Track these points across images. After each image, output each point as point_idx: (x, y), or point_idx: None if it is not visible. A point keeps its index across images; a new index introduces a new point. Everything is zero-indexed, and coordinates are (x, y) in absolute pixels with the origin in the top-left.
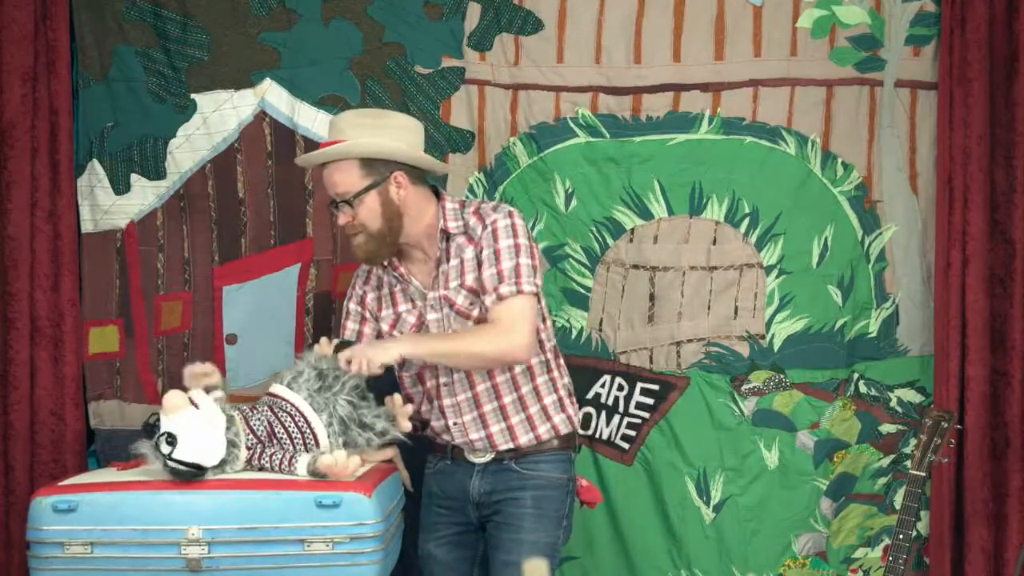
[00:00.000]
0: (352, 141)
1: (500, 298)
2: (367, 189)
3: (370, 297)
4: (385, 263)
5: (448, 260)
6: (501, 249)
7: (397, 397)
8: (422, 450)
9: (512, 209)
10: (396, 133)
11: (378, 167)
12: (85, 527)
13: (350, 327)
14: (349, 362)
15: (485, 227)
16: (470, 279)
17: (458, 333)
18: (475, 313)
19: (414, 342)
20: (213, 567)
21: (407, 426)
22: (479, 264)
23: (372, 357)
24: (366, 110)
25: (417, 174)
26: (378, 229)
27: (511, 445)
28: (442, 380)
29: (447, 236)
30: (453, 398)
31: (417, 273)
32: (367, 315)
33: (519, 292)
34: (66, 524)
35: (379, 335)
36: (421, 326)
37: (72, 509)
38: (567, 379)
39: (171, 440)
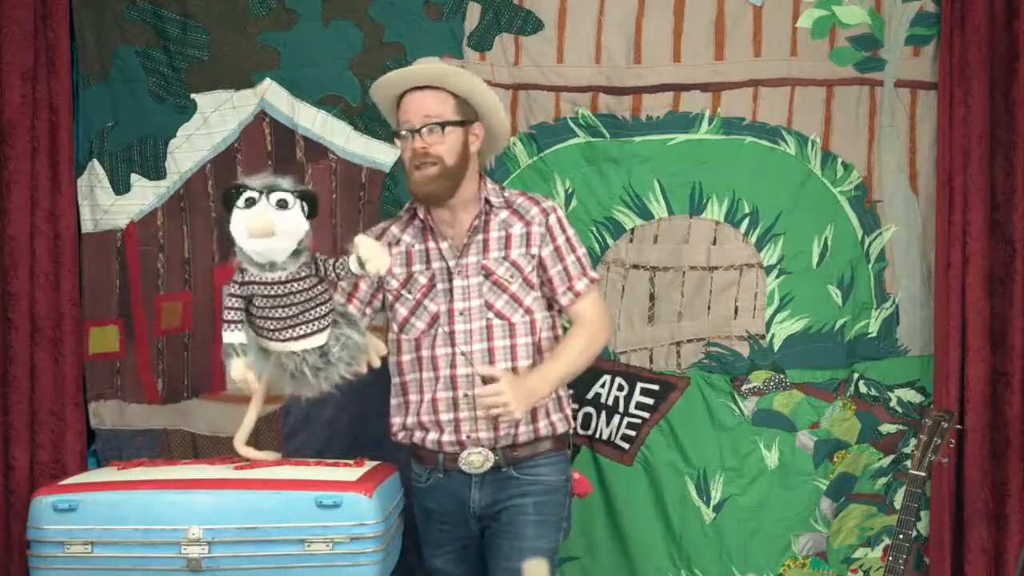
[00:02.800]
0: (460, 72)
1: (593, 281)
2: (457, 123)
3: None
4: (420, 214)
5: (488, 231)
6: (572, 237)
7: (375, 340)
8: (410, 459)
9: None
10: (489, 90)
11: (467, 111)
12: (85, 527)
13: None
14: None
15: (546, 212)
16: (516, 254)
17: (566, 350)
18: (512, 288)
19: (547, 382)
20: (213, 567)
21: (375, 361)
22: (530, 244)
23: (517, 413)
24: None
25: (484, 140)
26: (453, 164)
27: (510, 441)
28: (460, 350)
29: (489, 207)
30: (470, 368)
31: (446, 235)
32: None
33: (598, 277)
34: (66, 524)
35: (375, 295)
36: (431, 289)
37: (72, 509)
38: None
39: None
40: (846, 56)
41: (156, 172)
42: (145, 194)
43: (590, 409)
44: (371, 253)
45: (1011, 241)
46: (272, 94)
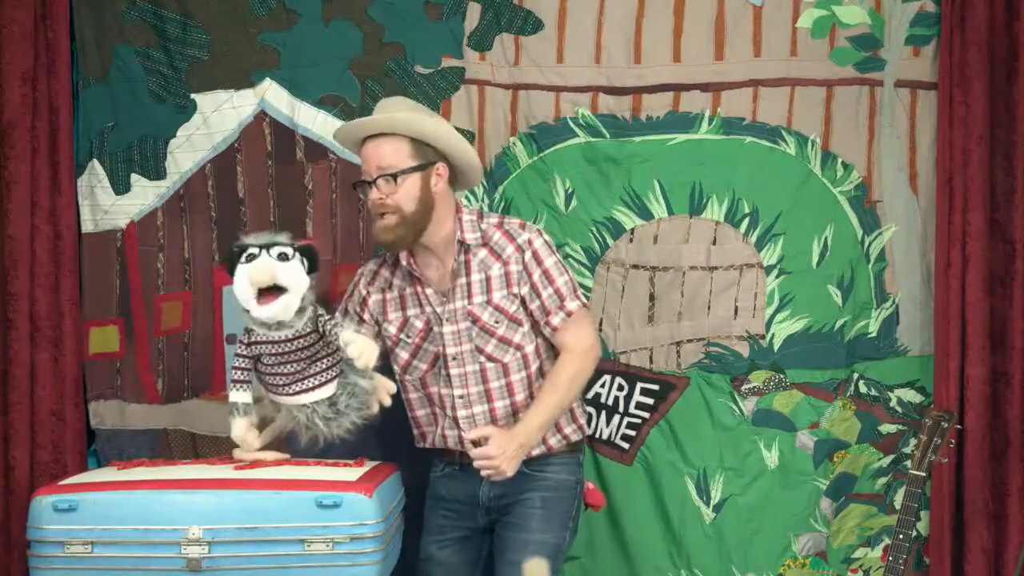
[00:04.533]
0: (413, 116)
1: (569, 314)
2: (413, 170)
3: (373, 299)
4: (403, 261)
5: (469, 274)
6: (550, 268)
7: (384, 380)
8: (428, 453)
9: (537, 227)
10: (447, 127)
11: (427, 152)
12: (85, 527)
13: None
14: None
15: (520, 248)
16: (497, 297)
17: (553, 384)
18: (500, 331)
19: (535, 429)
20: (213, 567)
21: (387, 400)
22: (510, 285)
23: (509, 472)
24: (415, 103)
25: (452, 176)
26: (411, 212)
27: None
28: (457, 393)
29: (466, 248)
30: (468, 410)
31: (431, 280)
32: (366, 318)
33: (582, 305)
34: (66, 524)
35: (377, 335)
36: (428, 332)
37: (72, 508)
38: None
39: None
40: (846, 56)
41: (156, 172)
42: (145, 194)
43: (590, 409)
44: (360, 350)
45: (1011, 241)
46: (272, 94)
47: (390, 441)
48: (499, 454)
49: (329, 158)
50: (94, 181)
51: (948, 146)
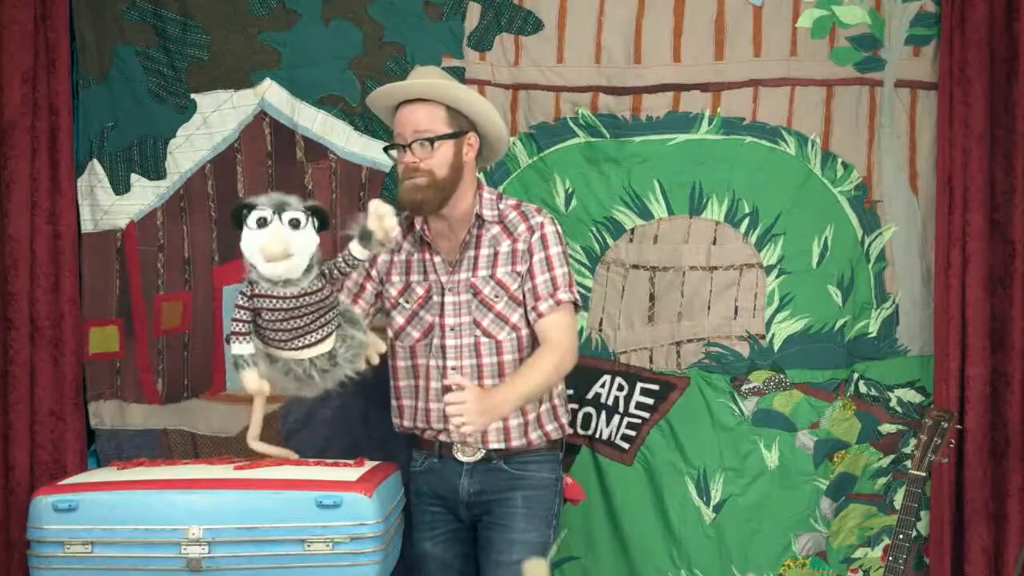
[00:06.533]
0: (451, 84)
1: (559, 303)
2: (448, 136)
3: (382, 259)
4: (417, 226)
5: (479, 247)
6: (552, 256)
7: (377, 340)
8: (409, 448)
9: (552, 216)
10: (482, 98)
11: (460, 121)
12: (85, 526)
13: (354, 278)
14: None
15: (531, 229)
16: (501, 272)
17: (530, 369)
18: (498, 306)
19: (513, 398)
20: (213, 567)
21: (375, 359)
22: (515, 263)
23: (473, 428)
24: (447, 74)
25: (480, 148)
26: (442, 178)
27: (502, 445)
28: (450, 364)
29: (480, 222)
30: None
31: (440, 249)
32: (373, 273)
33: (573, 299)
34: (66, 523)
35: (379, 296)
36: (428, 300)
37: (72, 508)
38: (562, 387)
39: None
40: (846, 56)
41: (156, 172)
42: (145, 194)
43: (590, 409)
44: (378, 224)
45: (1011, 241)
46: (272, 94)
47: (390, 441)
48: (470, 400)
49: (329, 158)
50: (94, 181)
51: (948, 146)
